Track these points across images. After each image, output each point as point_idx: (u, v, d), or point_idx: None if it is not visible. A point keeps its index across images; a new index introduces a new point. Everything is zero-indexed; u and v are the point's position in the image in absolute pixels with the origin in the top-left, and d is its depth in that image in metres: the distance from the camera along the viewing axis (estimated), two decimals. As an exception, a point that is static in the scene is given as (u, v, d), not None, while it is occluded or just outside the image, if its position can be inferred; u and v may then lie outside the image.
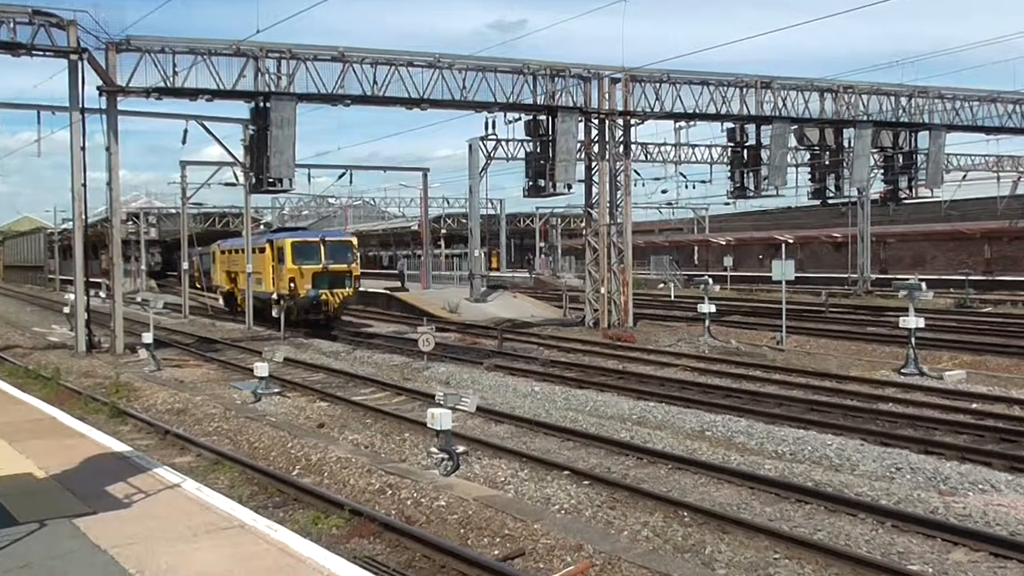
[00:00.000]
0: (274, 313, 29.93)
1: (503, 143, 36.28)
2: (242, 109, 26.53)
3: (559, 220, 78.47)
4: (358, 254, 32.47)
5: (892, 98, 31.76)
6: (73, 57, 22.74)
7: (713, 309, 25.83)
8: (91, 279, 26.63)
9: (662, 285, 54.16)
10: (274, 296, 30.94)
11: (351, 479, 10.89)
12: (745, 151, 31.68)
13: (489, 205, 66.04)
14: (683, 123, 34.41)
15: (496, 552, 8.39)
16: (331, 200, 61.39)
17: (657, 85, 28.89)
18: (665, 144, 41.45)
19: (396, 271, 53.67)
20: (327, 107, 26.30)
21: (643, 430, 13.74)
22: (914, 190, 33.67)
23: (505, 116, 28.46)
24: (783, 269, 24.67)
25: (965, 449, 12.13)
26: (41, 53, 22.27)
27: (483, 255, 48.77)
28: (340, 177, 44.22)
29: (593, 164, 29.83)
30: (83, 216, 24.59)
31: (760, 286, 47.48)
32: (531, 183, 29.01)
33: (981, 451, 12.03)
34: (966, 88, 33.23)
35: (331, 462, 11.65)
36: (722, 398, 16.59)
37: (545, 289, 49.72)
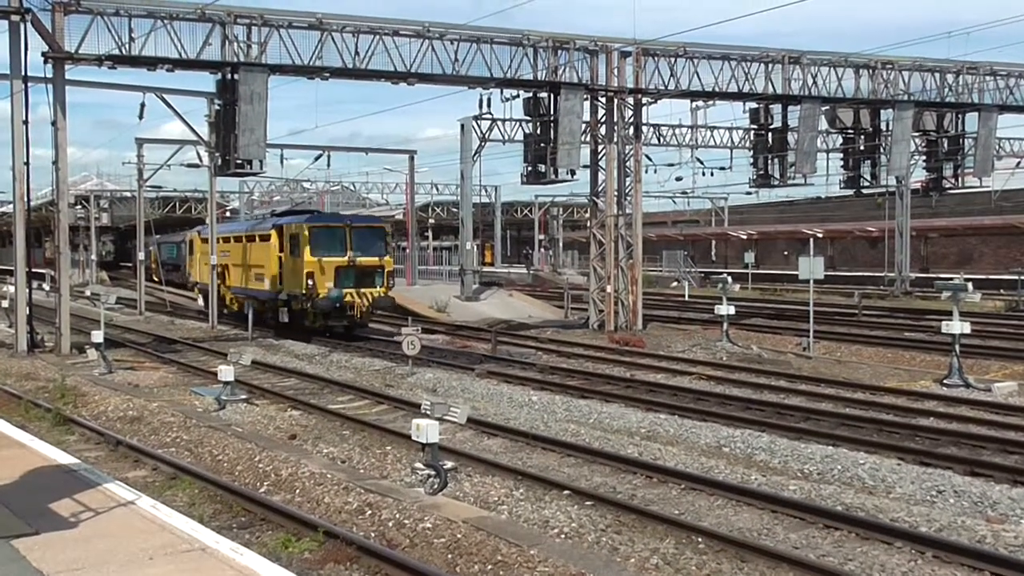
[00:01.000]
0: (281, 319, 28.04)
1: (499, 123, 36.48)
2: (207, 81, 26.56)
3: (560, 210, 78.68)
4: (392, 244, 29.88)
5: (937, 75, 31.75)
6: (14, 18, 22.59)
7: (732, 311, 25.89)
8: (34, 270, 26.56)
9: (675, 283, 54.32)
10: (282, 296, 28.52)
11: (326, 497, 10.88)
12: (770, 134, 31.72)
13: (483, 192, 66.29)
14: (701, 102, 34.64)
15: (488, 581, 8.37)
16: (306, 184, 61.40)
17: (672, 60, 28.89)
18: (680, 126, 41.72)
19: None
20: (303, 80, 26.25)
21: (653, 445, 13.75)
22: (960, 179, 33.74)
23: (502, 93, 28.47)
24: (811, 267, 24.71)
25: (1017, 471, 12.11)
26: (-24, 13, 22.22)
27: (475, 248, 48.88)
28: (317, 159, 44.37)
29: (599, 147, 29.87)
30: (25, 199, 24.51)
31: (785, 285, 47.62)
32: (530, 168, 29.03)
33: (1034, 473, 12.05)
34: (1022, 64, 33.06)
35: (304, 478, 11.63)
36: (742, 410, 16.60)
37: (544, 287, 49.83)
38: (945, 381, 18.96)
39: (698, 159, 45.61)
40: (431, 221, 71.87)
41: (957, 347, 19.21)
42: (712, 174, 46.96)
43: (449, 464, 11.69)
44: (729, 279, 26.93)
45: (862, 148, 32.39)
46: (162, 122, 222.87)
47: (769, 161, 32.01)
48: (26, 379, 20.35)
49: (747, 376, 20.49)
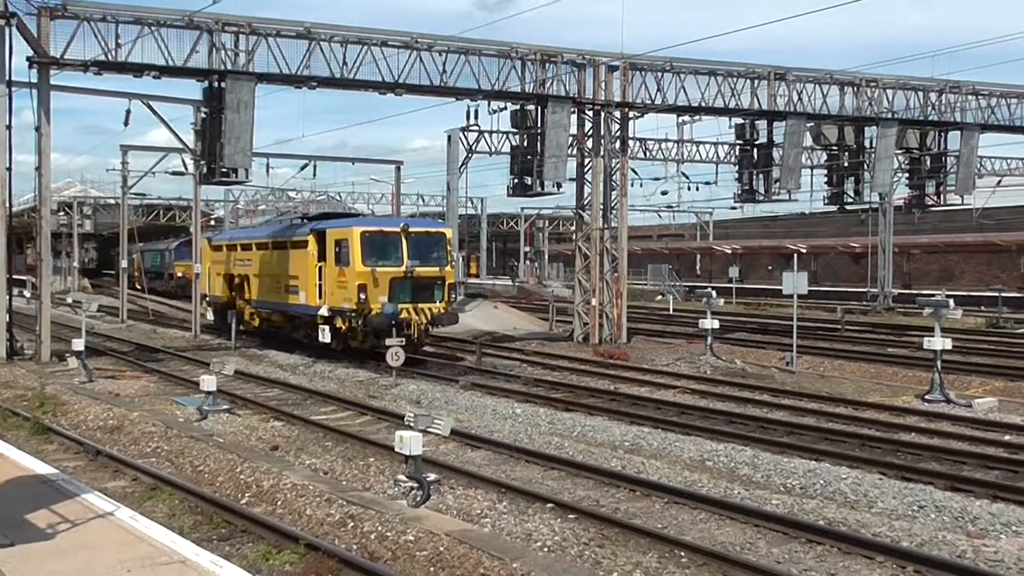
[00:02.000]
0: (321, 338, 24.26)
1: (486, 135, 36.51)
2: (194, 89, 26.49)
3: (546, 223, 78.83)
4: (454, 253, 25.84)
5: (920, 94, 32.04)
6: (-1, 22, 22.55)
7: (716, 325, 25.92)
8: (14, 276, 26.35)
9: (660, 297, 54.44)
10: (323, 312, 24.52)
11: (308, 509, 10.81)
12: (755, 150, 31.90)
13: (469, 204, 66.34)
14: (687, 117, 34.76)
15: (470, 594, 8.33)
16: (292, 194, 61.33)
17: (659, 74, 29.05)
18: (666, 140, 41.87)
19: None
20: (290, 89, 26.24)
21: (636, 459, 13.75)
22: (942, 196, 34.00)
23: (489, 105, 28.55)
24: (795, 282, 24.82)
25: (997, 486, 12.17)
26: (-41, 17, 22.10)
27: (461, 260, 48.78)
28: (303, 168, 44.37)
29: (586, 161, 29.94)
30: (7, 204, 24.35)
31: (769, 300, 47.81)
32: (516, 180, 29.08)
33: (1015, 488, 12.06)
34: (1003, 84, 33.48)
35: (285, 489, 11.55)
36: (725, 424, 16.62)
37: (530, 299, 49.82)
38: (927, 397, 19.04)
39: (684, 173, 45.93)
40: (417, 232, 71.67)
41: (939, 363, 19.29)
42: (697, 188, 47.35)
43: (432, 476, 11.64)
44: (713, 293, 26.93)
45: (846, 165, 32.64)
46: (148, 129, 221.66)
47: (754, 176, 32.18)
48: (5, 387, 20.14)
49: (730, 390, 20.52)
